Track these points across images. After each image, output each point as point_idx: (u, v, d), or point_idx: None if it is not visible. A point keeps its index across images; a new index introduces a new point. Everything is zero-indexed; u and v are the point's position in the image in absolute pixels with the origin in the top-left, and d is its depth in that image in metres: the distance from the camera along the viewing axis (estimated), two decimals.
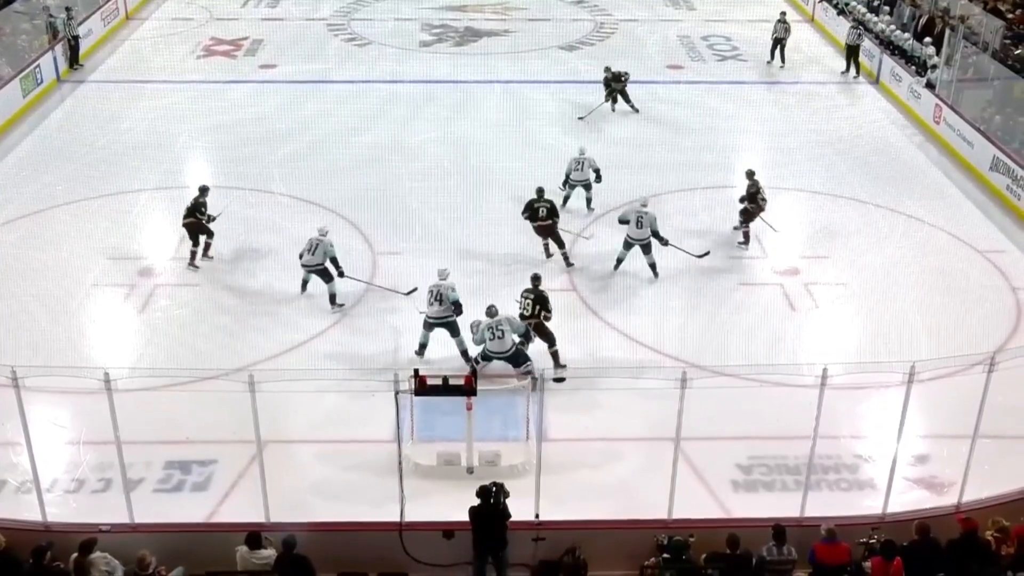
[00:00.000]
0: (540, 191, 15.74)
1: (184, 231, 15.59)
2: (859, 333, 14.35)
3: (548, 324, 13.11)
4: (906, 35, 24.70)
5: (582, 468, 11.42)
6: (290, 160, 19.42)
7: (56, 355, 13.11)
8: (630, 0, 30.80)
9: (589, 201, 17.31)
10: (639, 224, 15.04)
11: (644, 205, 15.26)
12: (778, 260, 16.12)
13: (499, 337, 12.41)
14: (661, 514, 10.22)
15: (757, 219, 16.37)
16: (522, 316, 12.98)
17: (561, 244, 15.72)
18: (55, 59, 23.71)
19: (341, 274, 14.42)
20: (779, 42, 25.38)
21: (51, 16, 24.22)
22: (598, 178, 17.12)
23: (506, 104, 22.29)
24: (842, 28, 26.40)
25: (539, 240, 15.76)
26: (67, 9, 24.30)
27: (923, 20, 24.64)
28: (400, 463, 10.19)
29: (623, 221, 15.31)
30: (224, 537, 9.89)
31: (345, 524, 10.29)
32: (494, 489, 9.73)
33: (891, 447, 10.36)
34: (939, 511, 10.50)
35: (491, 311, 12.55)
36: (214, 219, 15.68)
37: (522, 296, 13.20)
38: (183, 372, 11.92)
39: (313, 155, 19.64)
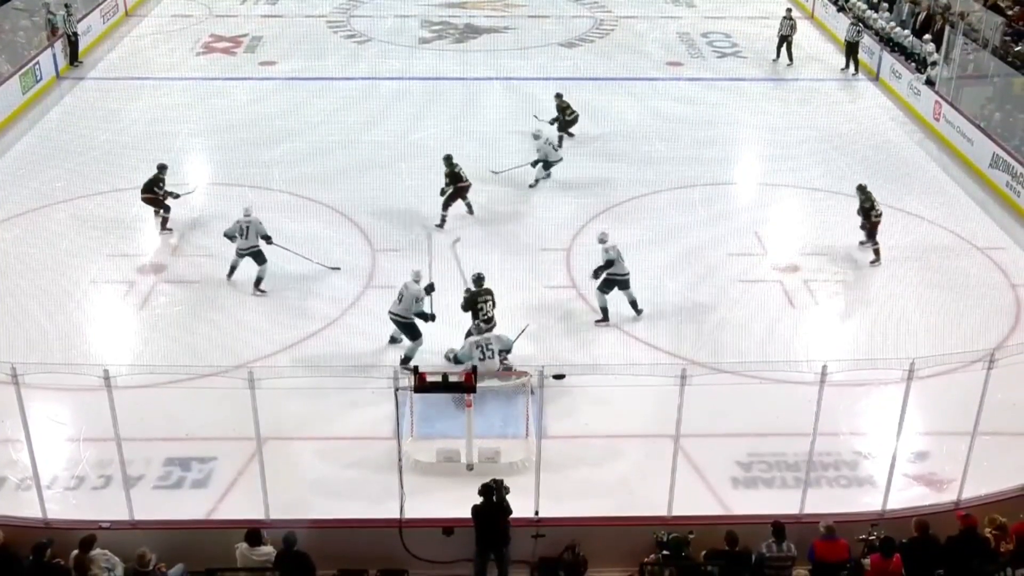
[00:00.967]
0: (449, 157, 16.60)
1: (145, 205, 16.44)
2: (858, 330, 14.35)
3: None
4: (906, 32, 24.68)
5: (582, 465, 11.43)
6: (289, 157, 19.41)
7: (56, 352, 13.13)
8: None
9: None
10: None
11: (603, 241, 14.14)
12: (777, 257, 16.12)
13: (489, 357, 12.04)
14: (661, 511, 10.22)
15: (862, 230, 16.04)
16: (489, 320, 12.73)
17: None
18: (54, 56, 23.70)
19: (269, 241, 14.81)
20: (785, 39, 25.33)
21: (50, 13, 24.20)
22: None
23: (507, 101, 22.27)
24: (842, 25, 26.38)
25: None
26: (66, 6, 24.27)
27: (921, 17, 24.62)
28: (400, 460, 10.19)
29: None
30: (224, 534, 9.89)
31: (345, 521, 10.30)
32: (495, 486, 9.73)
33: (890, 444, 10.36)
34: (938, 508, 10.51)
35: (479, 327, 12.27)
36: (174, 195, 16.37)
37: (479, 300, 12.78)
38: (183, 369, 11.93)
39: (312, 152, 19.64)
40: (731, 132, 21.34)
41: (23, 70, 22.18)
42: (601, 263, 13.85)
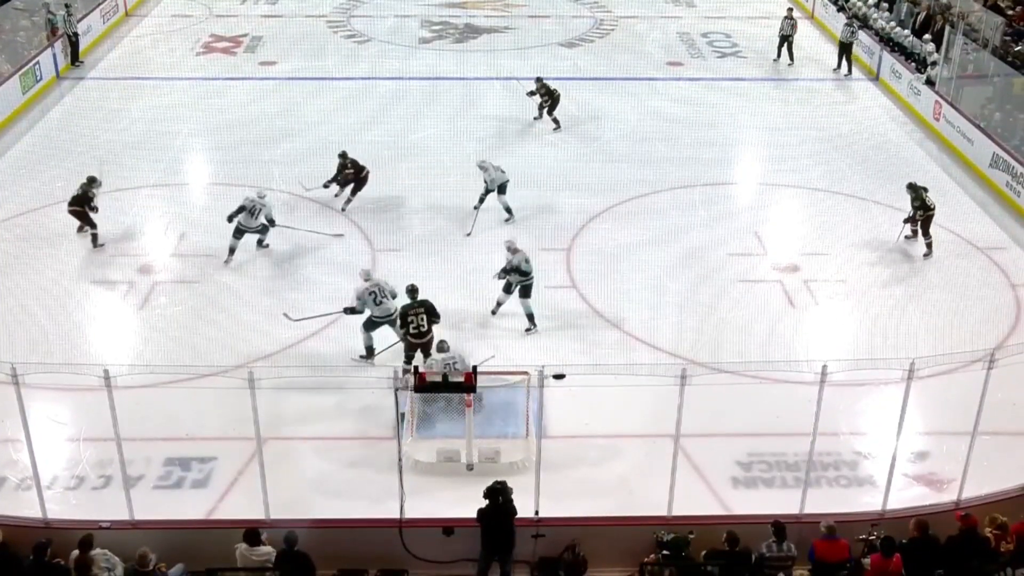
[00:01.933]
0: (346, 155, 17.09)
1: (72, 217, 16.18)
2: (858, 330, 14.34)
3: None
4: (906, 32, 24.68)
5: (582, 465, 11.43)
6: (289, 157, 19.40)
7: (56, 352, 13.13)
8: None
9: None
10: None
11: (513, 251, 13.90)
12: (777, 257, 16.12)
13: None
14: (661, 511, 10.22)
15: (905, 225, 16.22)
16: (420, 334, 12.46)
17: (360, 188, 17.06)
18: (54, 56, 23.69)
19: (273, 224, 15.56)
20: (786, 39, 25.30)
21: (50, 13, 24.19)
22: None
23: (506, 100, 22.28)
24: (842, 25, 26.36)
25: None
26: (67, 6, 24.27)
27: (921, 16, 24.61)
28: (400, 460, 10.18)
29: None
30: (224, 534, 9.87)
31: (345, 521, 10.30)
32: (500, 488, 9.71)
33: (891, 444, 10.36)
34: (938, 508, 10.51)
35: (443, 346, 11.94)
36: (97, 210, 16.24)
37: (409, 314, 12.46)
38: (182, 369, 11.93)
39: (313, 152, 19.56)
40: (731, 132, 21.33)
41: (23, 70, 22.18)
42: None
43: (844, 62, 24.95)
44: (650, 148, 20.21)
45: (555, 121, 20.82)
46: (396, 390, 9.78)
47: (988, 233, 17.10)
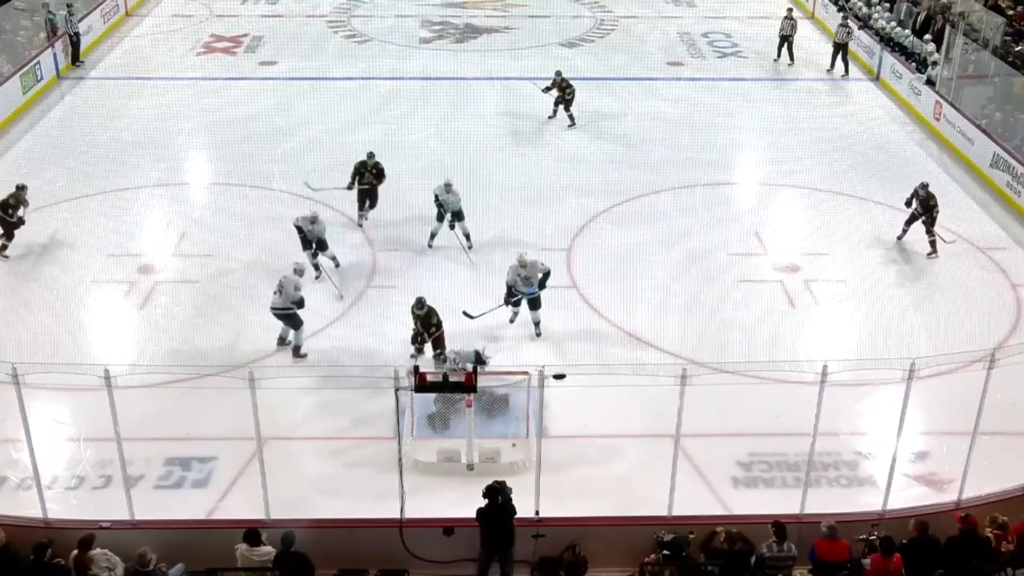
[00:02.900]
0: (371, 154, 16.49)
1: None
2: (859, 330, 14.35)
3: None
4: (906, 32, 24.67)
5: (582, 465, 11.43)
6: (290, 157, 19.41)
7: (56, 352, 13.13)
8: None
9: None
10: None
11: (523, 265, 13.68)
12: (778, 257, 16.11)
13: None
14: (661, 511, 10.22)
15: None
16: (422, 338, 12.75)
17: (373, 205, 16.43)
18: (55, 56, 23.68)
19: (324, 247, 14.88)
20: (786, 39, 25.27)
21: (51, 13, 24.18)
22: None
23: (506, 101, 22.27)
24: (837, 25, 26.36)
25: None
26: (68, 6, 24.25)
27: (922, 16, 24.60)
28: (400, 460, 10.18)
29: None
30: (224, 534, 9.88)
31: (345, 521, 10.30)
32: (499, 488, 9.72)
33: (891, 444, 10.35)
34: (939, 508, 10.51)
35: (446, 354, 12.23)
36: (22, 222, 15.75)
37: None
38: (183, 369, 11.93)
39: (313, 152, 19.62)
40: (732, 133, 21.31)
41: (24, 70, 22.17)
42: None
43: (840, 62, 24.90)
44: (650, 148, 20.20)
45: (571, 117, 20.86)
46: (396, 390, 9.77)
47: (988, 233, 17.09)
